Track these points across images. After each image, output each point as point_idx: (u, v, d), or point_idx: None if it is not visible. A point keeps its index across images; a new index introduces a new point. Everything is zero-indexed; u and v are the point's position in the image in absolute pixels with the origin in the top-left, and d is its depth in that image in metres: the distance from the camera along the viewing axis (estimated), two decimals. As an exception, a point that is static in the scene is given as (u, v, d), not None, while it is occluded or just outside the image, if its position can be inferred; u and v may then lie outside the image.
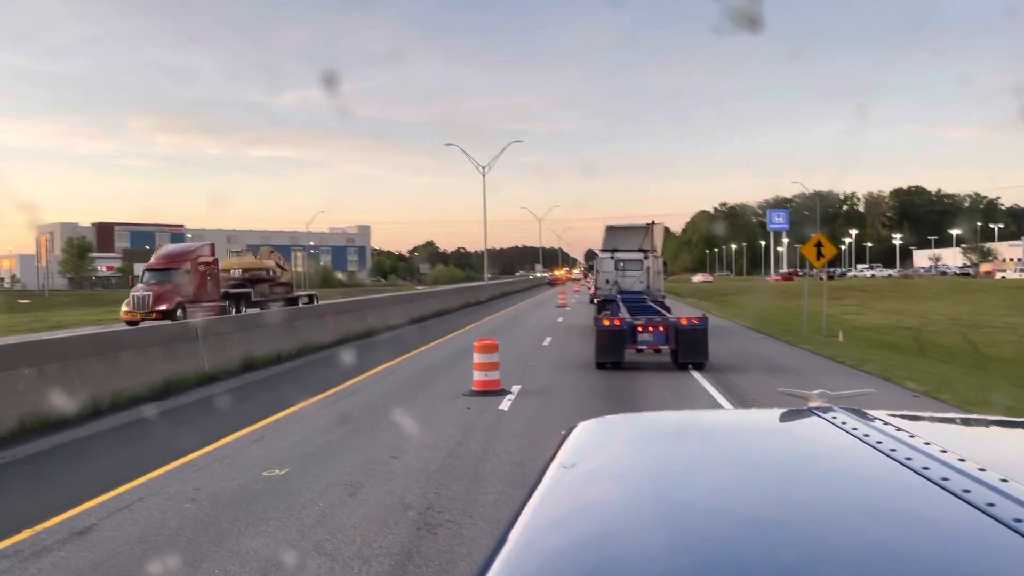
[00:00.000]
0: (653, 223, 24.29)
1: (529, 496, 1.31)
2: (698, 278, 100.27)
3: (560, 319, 29.47)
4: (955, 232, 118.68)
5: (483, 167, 55.27)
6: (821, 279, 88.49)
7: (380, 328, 25.25)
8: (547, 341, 20.13)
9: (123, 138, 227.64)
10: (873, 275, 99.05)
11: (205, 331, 15.15)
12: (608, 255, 23.99)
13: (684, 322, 14.85)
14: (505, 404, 10.49)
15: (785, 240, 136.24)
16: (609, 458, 1.60)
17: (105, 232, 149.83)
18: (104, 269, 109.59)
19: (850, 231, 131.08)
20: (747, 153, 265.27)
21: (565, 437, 1.67)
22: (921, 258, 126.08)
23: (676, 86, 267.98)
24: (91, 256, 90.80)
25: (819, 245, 27.00)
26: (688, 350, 14.55)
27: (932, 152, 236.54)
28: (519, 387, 11.95)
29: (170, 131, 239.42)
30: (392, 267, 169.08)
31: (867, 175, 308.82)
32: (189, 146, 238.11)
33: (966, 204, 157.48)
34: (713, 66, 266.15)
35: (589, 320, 23.59)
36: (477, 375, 11.47)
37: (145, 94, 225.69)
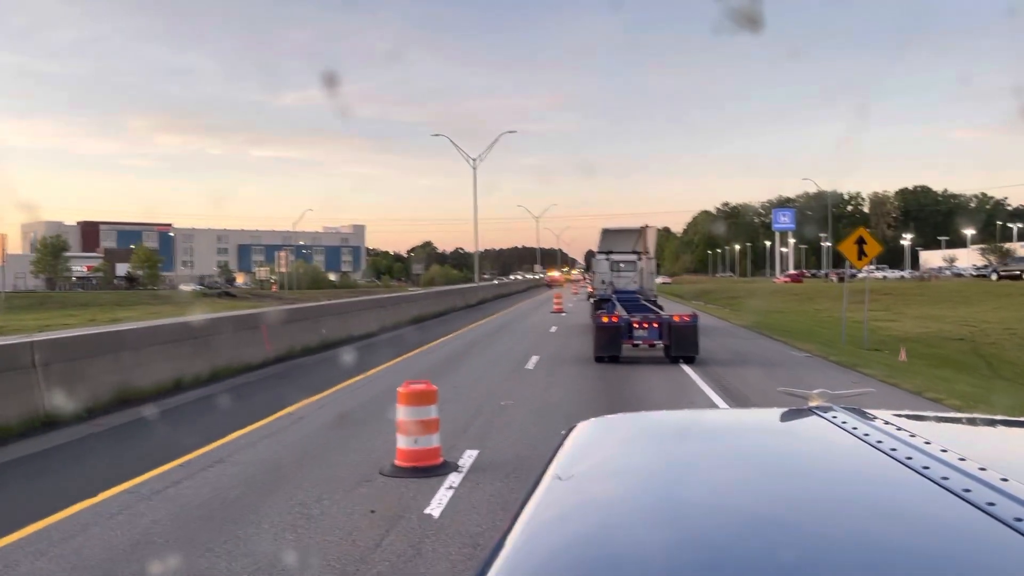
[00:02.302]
0: (646, 226, 24.80)
1: (530, 495, 1.29)
2: (658, 280, 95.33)
3: (554, 328, 25.15)
4: (969, 232, 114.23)
5: (473, 159, 50.99)
6: (832, 281, 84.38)
7: (337, 340, 20.98)
8: (533, 362, 15.77)
9: (124, 138, 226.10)
10: (884, 276, 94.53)
11: (50, 355, 10.85)
12: (604, 256, 24.21)
13: (676, 319, 15.62)
14: (438, 502, 6.13)
15: (791, 240, 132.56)
16: (609, 457, 1.58)
17: (91, 231, 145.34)
18: (85, 269, 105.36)
19: (865, 230, 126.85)
20: (749, 153, 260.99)
21: (565, 436, 1.65)
22: (933, 259, 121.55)
23: (677, 86, 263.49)
24: (66, 255, 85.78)
25: (861, 241, 22.80)
26: (680, 345, 15.25)
27: (935, 152, 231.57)
28: (474, 455, 7.62)
29: (171, 131, 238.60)
30: (387, 267, 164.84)
31: (868, 175, 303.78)
32: (190, 146, 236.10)
33: (972, 204, 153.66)
34: (714, 66, 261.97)
35: (588, 331, 20.08)
36: (402, 442, 7.12)
37: (146, 94, 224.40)
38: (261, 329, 17.75)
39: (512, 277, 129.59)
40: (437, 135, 60.73)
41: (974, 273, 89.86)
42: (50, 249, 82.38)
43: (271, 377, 14.79)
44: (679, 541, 1.07)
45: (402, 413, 7.08)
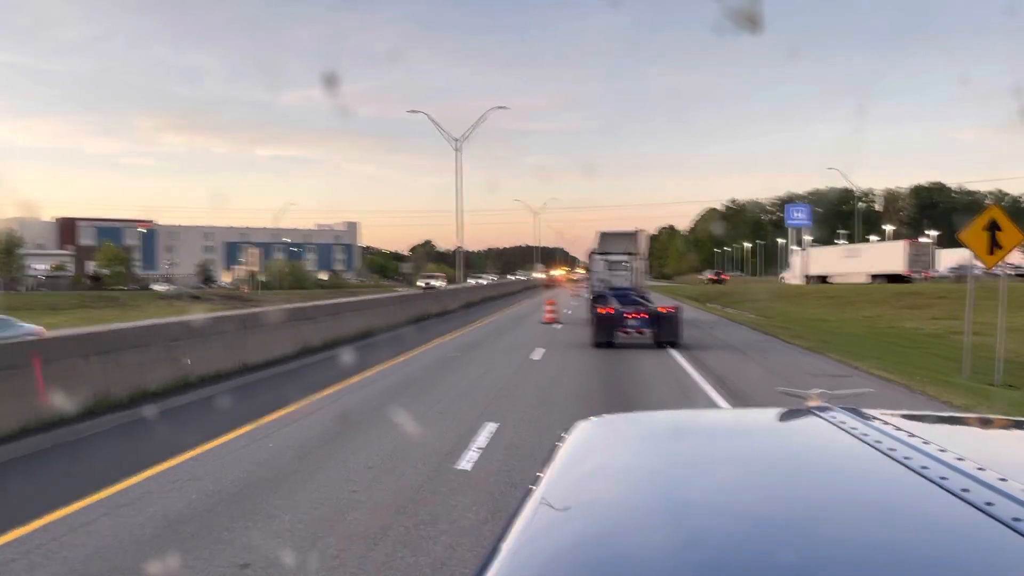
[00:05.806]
0: (639, 230, 27.17)
1: (528, 494, 1.28)
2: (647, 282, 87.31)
3: (539, 353, 17.43)
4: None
5: (456, 139, 43.64)
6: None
7: (208, 375, 13.77)
8: (484, 437, 8.34)
9: (128, 137, 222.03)
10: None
11: None
12: (601, 257, 25.87)
13: (662, 310, 18.75)
14: None
15: (807, 237, 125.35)
16: (608, 457, 1.57)
17: (68, 227, 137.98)
18: (50, 267, 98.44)
19: (884, 227, 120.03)
20: (753, 152, 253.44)
21: (564, 436, 1.63)
22: (952, 258, 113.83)
23: (679, 85, 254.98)
24: (20, 253, 78.27)
25: (994, 227, 15.42)
26: (665, 332, 18.05)
27: (943, 151, 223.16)
28: None
29: (175, 130, 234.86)
30: (380, 266, 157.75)
31: (871, 174, 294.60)
32: (194, 145, 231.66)
33: (988, 201, 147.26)
34: (716, 65, 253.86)
35: (589, 354, 13.93)
36: None
37: (150, 93, 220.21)
38: (33, 367, 10.39)
39: (517, 275, 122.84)
40: (414, 111, 53.40)
41: (1011, 273, 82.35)
42: (3, 246, 74.88)
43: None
44: (679, 541, 1.06)
45: None
